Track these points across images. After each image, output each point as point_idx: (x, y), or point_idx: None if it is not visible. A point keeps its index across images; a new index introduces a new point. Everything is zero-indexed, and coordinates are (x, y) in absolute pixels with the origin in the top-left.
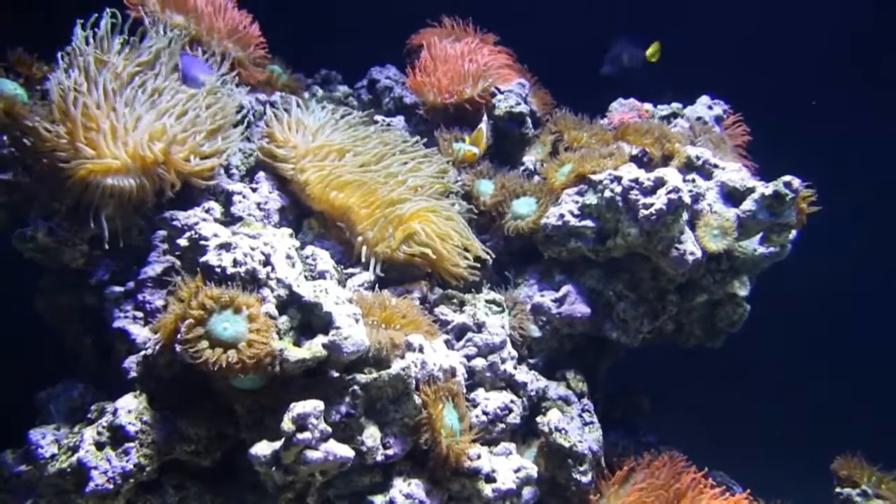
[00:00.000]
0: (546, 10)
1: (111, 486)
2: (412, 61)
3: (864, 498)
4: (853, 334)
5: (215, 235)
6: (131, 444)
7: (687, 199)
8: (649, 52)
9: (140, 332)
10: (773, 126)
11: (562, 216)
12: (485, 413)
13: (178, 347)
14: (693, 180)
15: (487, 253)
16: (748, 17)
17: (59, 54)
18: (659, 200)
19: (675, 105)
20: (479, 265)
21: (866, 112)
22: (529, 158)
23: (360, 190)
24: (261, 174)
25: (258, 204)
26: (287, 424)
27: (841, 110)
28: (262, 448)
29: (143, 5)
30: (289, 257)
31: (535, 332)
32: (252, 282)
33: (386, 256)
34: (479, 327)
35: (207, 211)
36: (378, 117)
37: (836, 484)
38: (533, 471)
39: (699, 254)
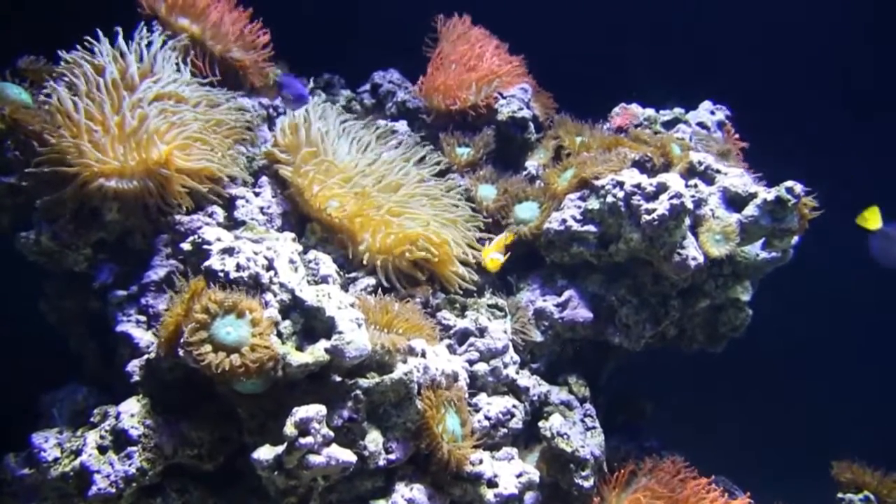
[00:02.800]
0: (550, 13)
1: (114, 490)
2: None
3: (867, 503)
4: (858, 339)
5: (218, 240)
6: (134, 448)
7: (689, 205)
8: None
9: (143, 336)
10: (776, 132)
11: (564, 221)
12: (487, 418)
13: (181, 351)
14: (695, 185)
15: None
16: (755, 23)
17: (61, 60)
18: (661, 206)
19: (678, 110)
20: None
21: (870, 117)
22: (532, 163)
23: (361, 199)
24: (264, 178)
25: (261, 208)
26: (289, 429)
27: (845, 115)
28: (265, 452)
29: (152, 8)
30: (291, 262)
31: (538, 336)
32: (255, 286)
33: (387, 263)
34: (482, 332)
35: (210, 215)
36: (381, 121)
37: (838, 489)
38: (535, 476)
39: (701, 259)
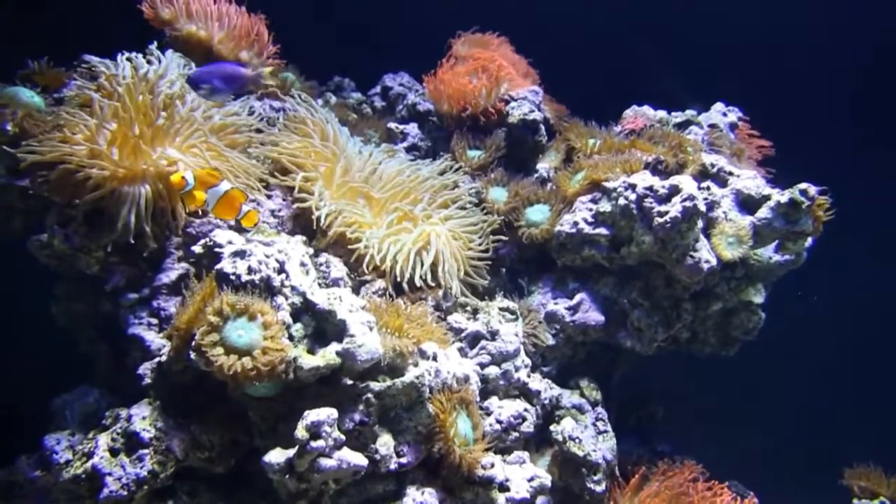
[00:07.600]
0: (562, 16)
1: (125, 493)
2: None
3: None
4: (869, 342)
5: (230, 243)
6: (145, 451)
7: (702, 207)
8: None
9: (155, 339)
10: (790, 134)
11: (575, 224)
12: (498, 421)
13: (192, 354)
14: (708, 188)
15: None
16: (768, 24)
17: (73, 65)
18: (674, 208)
19: (690, 112)
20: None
21: (881, 122)
22: (543, 166)
23: (369, 202)
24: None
25: (272, 211)
26: (301, 432)
27: (857, 118)
28: (276, 456)
29: (158, 15)
30: (303, 265)
31: (549, 339)
32: (266, 289)
33: (394, 268)
34: (493, 335)
35: None
36: (391, 124)
37: (853, 495)
38: (547, 480)
39: (714, 262)
